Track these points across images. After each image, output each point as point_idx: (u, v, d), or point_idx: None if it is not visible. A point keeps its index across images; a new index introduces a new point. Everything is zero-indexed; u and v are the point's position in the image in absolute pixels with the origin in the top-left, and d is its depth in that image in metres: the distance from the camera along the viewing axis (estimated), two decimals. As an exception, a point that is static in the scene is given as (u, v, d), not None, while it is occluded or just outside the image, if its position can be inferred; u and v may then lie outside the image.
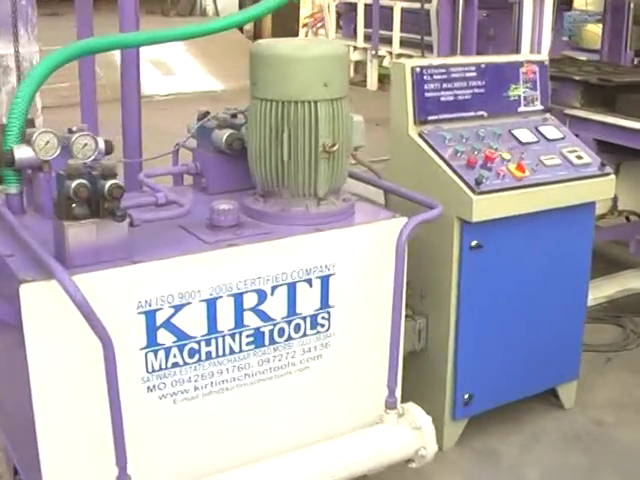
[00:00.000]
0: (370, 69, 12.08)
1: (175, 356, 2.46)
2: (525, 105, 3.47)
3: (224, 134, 2.89)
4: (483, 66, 3.36)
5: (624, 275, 4.91)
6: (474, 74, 3.33)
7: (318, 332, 2.71)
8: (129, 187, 3.39)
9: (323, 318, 2.70)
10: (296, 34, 13.47)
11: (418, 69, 3.20)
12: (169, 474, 2.55)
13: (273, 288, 2.58)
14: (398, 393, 2.84)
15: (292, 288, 2.61)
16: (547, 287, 3.37)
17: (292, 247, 2.60)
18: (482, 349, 3.28)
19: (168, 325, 2.42)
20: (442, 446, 3.31)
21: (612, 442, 3.52)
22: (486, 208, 3.05)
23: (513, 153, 3.22)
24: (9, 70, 4.25)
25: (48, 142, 2.54)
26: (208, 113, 3.06)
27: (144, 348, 2.40)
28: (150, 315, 2.38)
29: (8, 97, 4.18)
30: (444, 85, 3.26)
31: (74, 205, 2.24)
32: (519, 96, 3.45)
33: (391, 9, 11.29)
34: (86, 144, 2.56)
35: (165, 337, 2.43)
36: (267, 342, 2.62)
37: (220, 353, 2.54)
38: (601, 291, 4.69)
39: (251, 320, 2.57)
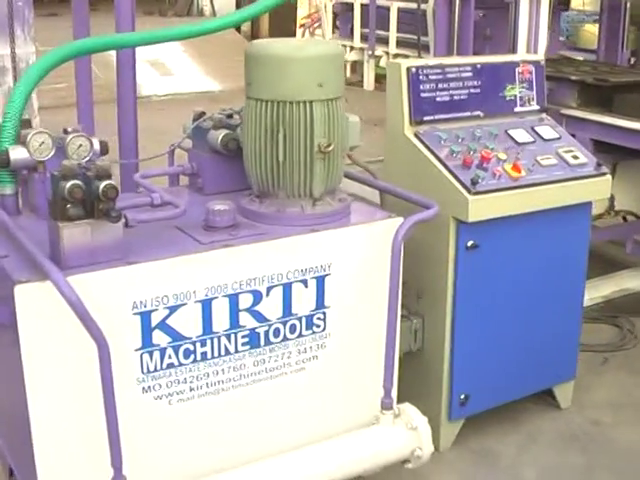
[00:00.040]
0: (367, 69, 12.08)
1: (170, 357, 2.46)
2: (521, 105, 3.47)
3: (220, 134, 2.89)
4: (479, 66, 3.36)
5: (621, 275, 4.90)
6: (470, 74, 3.33)
7: (314, 333, 2.71)
8: (125, 188, 3.42)
9: (319, 319, 2.70)
10: (293, 34, 13.47)
11: (414, 69, 3.19)
12: (164, 475, 2.55)
13: (269, 289, 2.58)
14: (394, 393, 2.83)
15: (288, 289, 2.61)
16: (543, 287, 3.37)
17: (288, 248, 2.59)
18: (478, 349, 3.28)
19: (163, 326, 2.42)
20: (439, 446, 3.31)
21: (609, 442, 3.52)
22: (482, 208, 3.04)
23: (509, 153, 3.22)
24: (5, 71, 4.23)
25: (43, 143, 2.54)
26: (204, 113, 3.06)
27: (139, 349, 2.40)
28: (145, 316, 2.38)
29: (5, 98, 4.17)
30: (440, 85, 3.25)
31: (69, 206, 2.24)
32: (515, 96, 3.45)
33: (388, 9, 11.29)
34: (81, 145, 2.56)
35: (160, 338, 2.43)
36: (263, 343, 2.62)
37: (215, 354, 2.54)
38: (598, 291, 4.68)
39: (246, 321, 2.57)
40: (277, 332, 2.64)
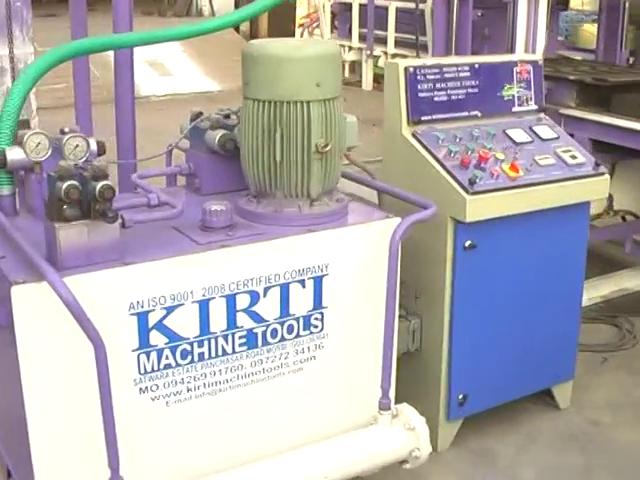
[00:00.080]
0: (365, 69, 12.08)
1: (167, 358, 2.46)
2: (519, 105, 3.47)
3: (217, 135, 2.89)
4: (477, 66, 3.35)
5: (620, 275, 4.90)
6: (468, 74, 3.33)
7: (311, 333, 2.70)
8: (123, 188, 3.42)
9: (316, 319, 2.70)
10: (292, 34, 13.46)
11: (411, 69, 3.19)
12: (162, 476, 2.55)
13: (266, 289, 2.57)
14: (392, 394, 2.83)
15: (285, 289, 2.61)
16: (542, 287, 3.37)
17: (285, 248, 2.59)
18: (476, 349, 3.27)
19: (160, 326, 2.42)
20: (437, 447, 3.31)
21: (608, 442, 3.52)
22: (480, 208, 3.04)
23: (507, 153, 3.21)
24: (4, 71, 4.23)
25: (39, 143, 2.54)
26: (201, 114, 3.05)
27: (136, 350, 2.40)
28: (142, 316, 2.38)
29: (3, 98, 4.17)
30: (437, 85, 3.25)
31: (65, 206, 2.24)
32: (513, 96, 3.45)
33: (386, 9, 11.28)
34: (77, 145, 2.56)
35: (157, 338, 2.42)
36: (260, 343, 2.62)
37: (213, 354, 2.54)
38: (597, 291, 4.68)
39: (244, 321, 2.57)
40: (274, 332, 2.64)
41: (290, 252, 2.60)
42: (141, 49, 3.53)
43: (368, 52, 11.85)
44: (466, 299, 3.18)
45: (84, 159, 2.54)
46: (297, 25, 13.85)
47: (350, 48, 12.11)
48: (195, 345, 2.49)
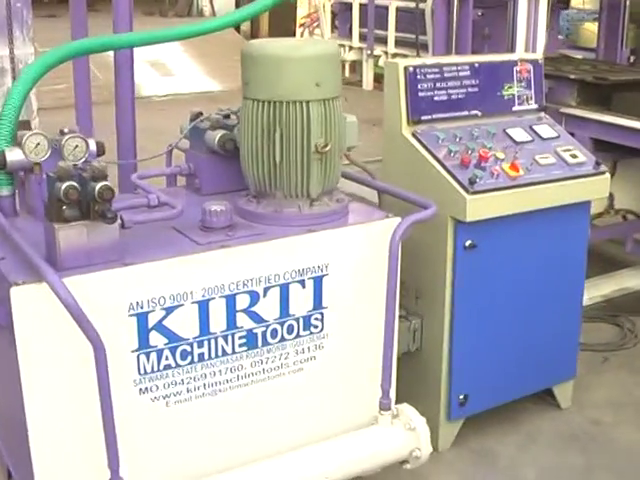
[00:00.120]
0: (366, 69, 12.07)
1: (167, 358, 2.46)
2: (519, 104, 3.46)
3: (217, 135, 2.89)
4: (477, 65, 3.34)
5: (621, 274, 4.89)
6: (468, 73, 3.32)
7: (311, 333, 2.70)
8: (124, 188, 3.42)
9: (316, 319, 2.70)
10: (293, 34, 13.46)
11: (411, 69, 3.18)
12: (162, 476, 2.55)
13: (266, 289, 2.57)
14: (392, 394, 2.82)
15: (285, 289, 2.60)
16: (542, 287, 3.36)
17: (285, 248, 2.59)
18: (477, 349, 3.27)
19: (160, 327, 2.42)
20: (438, 447, 3.30)
21: (609, 442, 3.51)
22: (480, 208, 3.03)
23: (507, 152, 3.21)
24: (4, 72, 4.23)
25: (38, 144, 2.53)
26: (201, 114, 3.05)
27: (136, 350, 2.40)
28: (142, 317, 2.38)
29: (4, 99, 4.18)
30: (437, 84, 3.25)
31: (64, 207, 2.23)
32: (513, 95, 3.44)
33: (386, 9, 11.27)
34: (77, 146, 2.56)
35: (157, 339, 2.42)
36: (260, 344, 2.61)
37: (213, 355, 2.53)
38: (598, 290, 4.67)
39: (244, 322, 2.56)
40: (274, 333, 2.63)
41: (290, 252, 2.60)
42: (142, 49, 3.53)
43: (368, 52, 11.84)
44: (467, 299, 3.17)
45: (83, 160, 2.54)
46: (298, 25, 13.85)
47: (350, 48, 12.10)
48: (195, 345, 2.49)
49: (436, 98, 3.25)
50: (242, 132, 2.70)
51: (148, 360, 2.42)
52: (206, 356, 2.52)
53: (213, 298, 2.48)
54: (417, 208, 2.83)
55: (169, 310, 2.42)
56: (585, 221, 3.44)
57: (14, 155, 2.57)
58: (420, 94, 3.21)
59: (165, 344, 2.44)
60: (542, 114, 3.53)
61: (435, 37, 4.77)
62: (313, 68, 2.59)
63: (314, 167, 2.64)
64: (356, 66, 12.49)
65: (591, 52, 7.32)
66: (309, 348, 2.71)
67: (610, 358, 4.18)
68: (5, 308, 2.23)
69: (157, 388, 2.46)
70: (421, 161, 3.14)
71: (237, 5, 15.48)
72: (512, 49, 4.42)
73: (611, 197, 4.78)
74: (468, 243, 3.10)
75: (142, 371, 2.42)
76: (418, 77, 3.20)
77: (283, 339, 2.65)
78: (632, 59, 6.49)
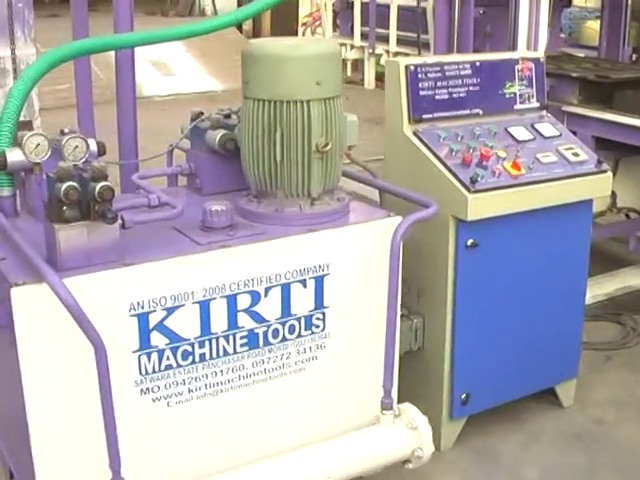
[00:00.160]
0: (367, 68, 12.06)
1: (168, 358, 2.45)
2: (521, 102, 3.45)
3: (217, 134, 2.88)
4: (478, 64, 3.34)
5: (624, 272, 4.89)
6: (469, 72, 3.31)
7: (313, 333, 2.70)
8: (125, 188, 3.42)
9: (318, 319, 2.69)
10: (295, 33, 13.47)
11: (412, 67, 3.18)
12: (163, 476, 2.54)
13: (267, 289, 2.56)
14: (394, 393, 2.82)
15: (286, 289, 2.60)
16: (544, 285, 3.36)
17: (286, 248, 2.58)
18: (479, 348, 3.26)
19: (161, 327, 2.41)
20: (440, 446, 3.30)
21: (612, 441, 3.50)
22: (481, 207, 3.03)
23: (509, 151, 3.20)
24: (6, 72, 4.23)
25: (38, 145, 2.53)
26: (202, 114, 3.05)
27: (137, 351, 2.39)
28: (143, 317, 2.37)
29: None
30: (439, 83, 3.24)
31: (65, 208, 2.23)
32: (515, 94, 3.43)
33: (388, 7, 11.25)
34: (77, 146, 2.55)
35: (158, 339, 2.42)
36: (261, 343, 2.61)
37: (214, 355, 2.53)
38: (601, 288, 4.67)
39: (245, 321, 2.56)
40: (276, 333, 2.63)
41: (291, 252, 2.59)
42: (144, 49, 3.52)
43: (370, 50, 11.83)
44: (468, 298, 3.17)
45: (83, 160, 2.53)
46: (300, 24, 13.85)
47: (352, 46, 12.09)
48: (196, 346, 2.49)
49: (437, 97, 3.25)
50: (243, 132, 2.69)
51: (149, 360, 2.42)
52: (207, 356, 2.52)
53: (214, 298, 2.48)
54: (418, 207, 2.82)
55: (170, 310, 2.41)
56: (587, 220, 3.43)
57: (15, 156, 2.56)
58: (421, 93, 3.21)
59: (166, 344, 2.43)
60: (544, 112, 3.52)
61: (437, 35, 4.77)
62: (313, 67, 2.58)
63: (315, 166, 2.64)
64: (358, 65, 12.48)
65: (593, 50, 7.31)
66: (311, 348, 2.71)
67: (612, 357, 4.17)
68: (6, 308, 2.22)
69: (158, 388, 2.46)
70: (422, 160, 3.13)
71: (239, 4, 15.48)
72: (514, 47, 4.42)
73: (614, 195, 4.77)
74: (470, 242, 3.09)
75: (143, 371, 2.42)
76: (419, 76, 3.19)
77: (284, 339, 2.65)
78: (634, 57, 6.47)
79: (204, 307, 2.47)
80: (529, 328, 3.37)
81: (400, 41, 11.16)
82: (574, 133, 3.63)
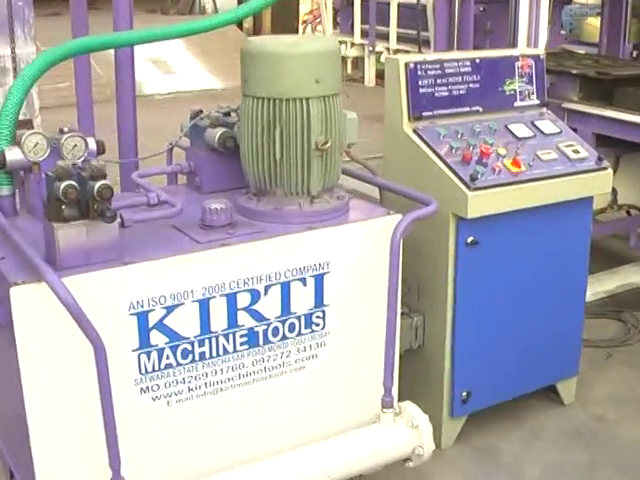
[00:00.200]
0: (368, 65, 12.06)
1: (168, 357, 2.45)
2: (521, 100, 3.45)
3: (217, 133, 2.88)
4: (478, 61, 3.33)
5: (624, 269, 4.89)
6: (469, 69, 3.30)
7: (313, 331, 2.69)
8: (125, 187, 3.41)
9: (318, 317, 2.69)
10: (296, 31, 13.46)
11: (412, 65, 3.17)
12: (163, 476, 2.54)
13: (267, 287, 2.56)
14: (395, 392, 2.82)
15: (286, 287, 2.59)
16: (545, 283, 3.35)
17: (286, 246, 2.58)
18: (480, 346, 3.26)
19: (161, 326, 2.41)
20: (441, 444, 3.30)
21: (613, 438, 3.50)
22: (482, 204, 3.02)
23: (509, 148, 3.19)
24: (6, 71, 4.23)
25: (37, 143, 2.52)
26: (201, 112, 3.04)
27: (137, 349, 2.39)
28: (142, 316, 2.37)
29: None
30: (438, 80, 3.23)
31: (64, 206, 2.23)
32: (515, 91, 3.43)
33: (388, 5, 11.27)
34: (76, 145, 2.54)
35: (158, 338, 2.41)
36: (261, 342, 2.61)
37: (214, 354, 2.52)
38: (601, 286, 4.67)
39: (245, 320, 2.55)
40: (276, 331, 2.62)
41: (291, 250, 2.59)
42: (144, 47, 3.51)
43: (370, 48, 11.84)
44: (469, 295, 3.16)
45: (82, 159, 2.53)
46: (300, 22, 13.84)
47: (352, 44, 12.11)
48: (196, 344, 2.48)
49: (437, 94, 3.24)
50: (242, 130, 2.69)
51: (149, 359, 2.41)
52: (207, 355, 2.51)
53: (214, 297, 2.47)
54: (418, 205, 2.81)
55: (170, 309, 2.41)
56: (587, 217, 3.43)
57: (13, 154, 2.56)
58: (421, 90, 3.20)
59: (166, 343, 2.43)
60: (544, 109, 3.52)
61: (437, 33, 4.76)
62: (313, 65, 2.57)
63: (314, 164, 2.63)
64: (358, 62, 12.49)
65: (594, 47, 7.30)
66: (311, 346, 2.70)
67: (613, 354, 4.17)
68: (5, 308, 2.22)
69: (158, 387, 2.45)
70: (422, 157, 3.13)
71: (239, 2, 15.47)
72: (514, 44, 4.41)
73: (614, 192, 4.76)
74: (470, 240, 3.08)
75: (143, 370, 2.41)
76: (419, 73, 3.19)
77: (284, 337, 2.64)
78: (635, 54, 6.46)
79: (204, 306, 2.46)
80: (530, 326, 3.37)
81: (400, 38, 11.17)
82: (574, 130, 3.62)
